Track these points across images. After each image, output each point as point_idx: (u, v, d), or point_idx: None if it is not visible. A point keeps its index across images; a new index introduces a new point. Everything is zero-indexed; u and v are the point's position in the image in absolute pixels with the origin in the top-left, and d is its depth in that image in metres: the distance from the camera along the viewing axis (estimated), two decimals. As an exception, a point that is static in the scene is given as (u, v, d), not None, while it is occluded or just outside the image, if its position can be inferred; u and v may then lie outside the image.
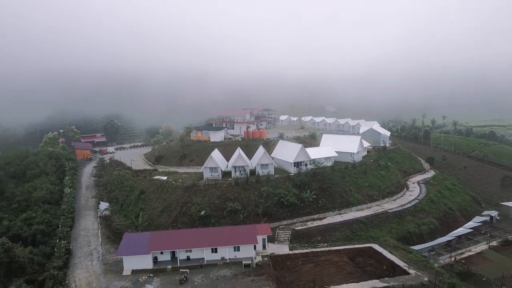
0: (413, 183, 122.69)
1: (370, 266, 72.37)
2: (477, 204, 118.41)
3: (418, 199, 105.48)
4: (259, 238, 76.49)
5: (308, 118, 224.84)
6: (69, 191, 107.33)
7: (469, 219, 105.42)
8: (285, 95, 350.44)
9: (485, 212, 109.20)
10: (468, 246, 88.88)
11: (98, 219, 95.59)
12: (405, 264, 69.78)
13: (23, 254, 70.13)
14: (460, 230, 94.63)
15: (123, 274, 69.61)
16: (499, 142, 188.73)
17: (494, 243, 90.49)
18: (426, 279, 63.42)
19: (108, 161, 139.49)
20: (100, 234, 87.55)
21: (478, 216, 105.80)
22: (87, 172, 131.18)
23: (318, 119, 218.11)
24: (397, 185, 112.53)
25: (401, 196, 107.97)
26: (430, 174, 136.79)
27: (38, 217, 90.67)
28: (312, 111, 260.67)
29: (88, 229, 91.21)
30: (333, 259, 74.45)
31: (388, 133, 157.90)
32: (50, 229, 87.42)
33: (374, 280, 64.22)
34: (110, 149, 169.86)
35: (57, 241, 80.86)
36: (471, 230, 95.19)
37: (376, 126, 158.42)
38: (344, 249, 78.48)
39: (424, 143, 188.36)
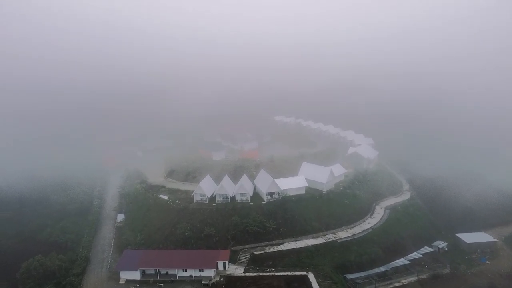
0: (381, 207, 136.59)
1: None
2: (436, 231, 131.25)
3: (372, 228, 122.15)
4: (220, 262, 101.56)
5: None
6: (96, 202, 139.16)
7: (419, 247, 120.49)
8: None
9: (435, 243, 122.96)
10: (400, 277, 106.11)
11: (114, 230, 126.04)
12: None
13: (54, 263, 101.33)
14: (399, 261, 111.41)
15: (120, 282, 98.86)
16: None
17: (424, 276, 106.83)
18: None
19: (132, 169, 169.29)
20: (112, 244, 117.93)
21: (427, 247, 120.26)
22: (113, 183, 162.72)
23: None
24: (359, 212, 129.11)
25: (359, 224, 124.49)
26: (405, 196, 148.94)
27: (71, 227, 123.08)
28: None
29: (105, 238, 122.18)
30: (272, 284, 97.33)
31: (373, 155, 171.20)
32: (78, 237, 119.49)
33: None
34: (139, 153, 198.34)
35: (80, 250, 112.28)
36: (409, 262, 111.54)
37: (362, 149, 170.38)
38: (284, 275, 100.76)
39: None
